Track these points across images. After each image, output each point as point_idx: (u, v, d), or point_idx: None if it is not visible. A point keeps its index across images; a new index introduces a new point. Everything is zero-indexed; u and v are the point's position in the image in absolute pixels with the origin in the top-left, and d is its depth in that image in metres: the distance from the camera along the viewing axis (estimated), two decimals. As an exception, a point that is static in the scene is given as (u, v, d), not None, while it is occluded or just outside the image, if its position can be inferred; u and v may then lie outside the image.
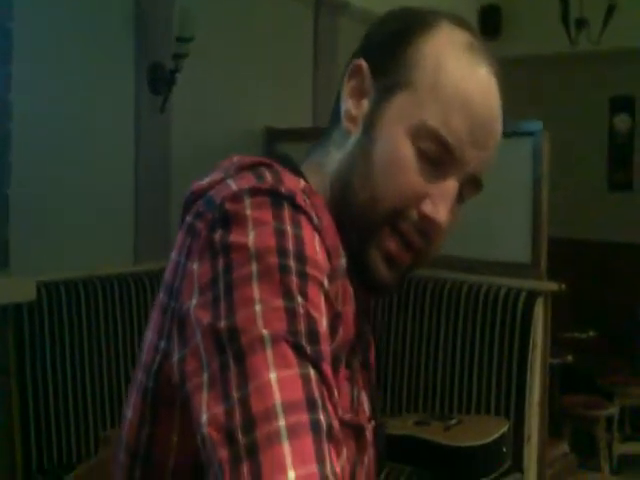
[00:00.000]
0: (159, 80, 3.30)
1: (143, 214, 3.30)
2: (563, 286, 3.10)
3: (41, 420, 2.69)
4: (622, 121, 5.68)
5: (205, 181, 0.82)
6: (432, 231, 0.85)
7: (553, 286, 3.12)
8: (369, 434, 0.89)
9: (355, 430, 0.85)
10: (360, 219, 0.85)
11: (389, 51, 0.88)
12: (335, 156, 0.90)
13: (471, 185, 0.88)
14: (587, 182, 5.67)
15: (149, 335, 0.82)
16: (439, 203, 0.85)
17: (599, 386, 4.51)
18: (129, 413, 0.83)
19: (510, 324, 3.09)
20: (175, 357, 0.74)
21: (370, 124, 0.87)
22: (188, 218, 0.78)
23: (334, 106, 0.93)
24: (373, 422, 0.91)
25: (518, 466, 2.99)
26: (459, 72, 0.85)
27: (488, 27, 5.92)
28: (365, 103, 0.88)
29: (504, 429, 2.87)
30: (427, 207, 0.84)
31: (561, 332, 4.11)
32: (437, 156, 0.84)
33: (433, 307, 3.26)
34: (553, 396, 3.42)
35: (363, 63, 0.88)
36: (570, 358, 4.20)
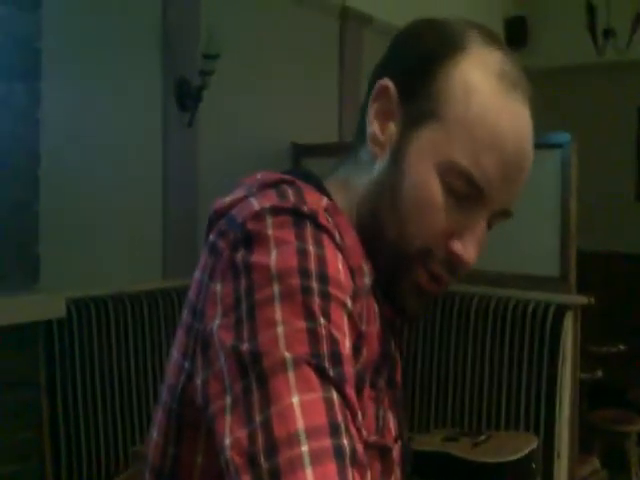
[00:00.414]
0: (186, 96, 3.33)
1: (171, 230, 3.32)
2: (592, 299, 3.06)
3: (71, 436, 2.71)
4: (650, 131, 5.64)
5: (227, 199, 0.82)
6: (460, 268, 0.85)
7: (582, 300, 3.09)
8: (395, 454, 0.89)
9: (381, 451, 0.85)
10: (389, 252, 0.84)
11: (417, 76, 0.85)
12: (362, 177, 0.88)
13: (500, 215, 0.87)
14: (615, 194, 5.61)
15: (174, 354, 0.82)
16: (468, 242, 0.84)
17: (629, 401, 4.45)
18: (154, 433, 0.83)
19: (539, 338, 3.06)
20: (199, 379, 0.73)
21: (398, 154, 0.85)
22: (211, 237, 0.78)
23: (359, 121, 0.91)
24: (399, 442, 0.90)
25: (548, 483, 2.96)
26: (491, 108, 0.81)
27: (514, 38, 5.91)
28: (392, 127, 0.86)
29: (533, 445, 2.84)
30: (457, 246, 0.83)
31: (591, 346, 4.06)
32: (466, 194, 0.82)
33: (461, 322, 3.25)
34: (583, 411, 3.38)
35: (390, 85, 0.85)
36: (600, 373, 4.15)
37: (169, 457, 0.80)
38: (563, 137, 3.06)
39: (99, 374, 2.80)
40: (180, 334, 0.81)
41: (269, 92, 3.86)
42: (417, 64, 0.85)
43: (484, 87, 0.82)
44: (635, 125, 5.68)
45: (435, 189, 0.82)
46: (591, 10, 4.99)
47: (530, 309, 3.10)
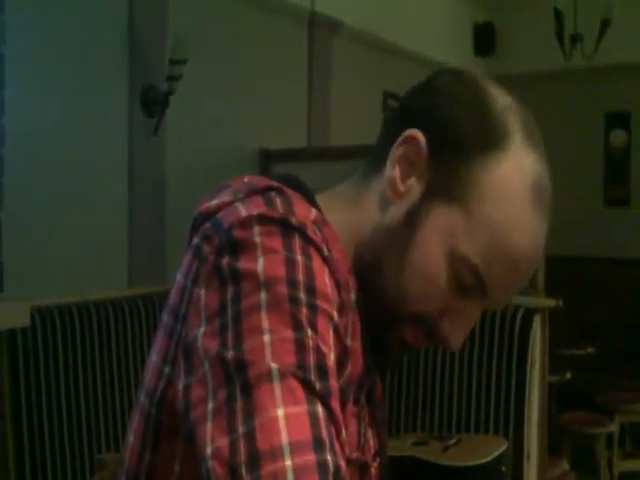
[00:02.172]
0: (152, 102, 3.31)
1: (137, 237, 3.29)
2: (561, 302, 3.08)
3: (36, 444, 2.67)
4: (618, 137, 5.70)
5: (213, 202, 0.80)
6: (444, 346, 0.87)
7: (551, 302, 3.10)
8: (374, 471, 0.88)
9: (360, 468, 0.84)
10: (384, 304, 0.84)
11: (453, 152, 0.82)
12: (370, 213, 0.86)
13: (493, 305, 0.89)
14: (584, 198, 5.67)
15: (153, 357, 0.80)
16: (458, 327, 0.85)
17: (598, 403, 4.49)
18: (131, 437, 0.82)
19: (508, 341, 3.07)
20: (180, 385, 0.72)
21: (414, 217, 0.83)
22: (195, 240, 0.77)
23: (378, 145, 0.89)
24: (378, 459, 0.90)
25: (518, 485, 2.97)
26: (518, 223, 0.81)
27: (482, 45, 5.96)
28: (413, 182, 0.84)
29: (503, 448, 2.84)
30: (446, 328, 0.84)
31: (559, 349, 4.09)
32: (469, 286, 0.82)
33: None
34: (552, 414, 3.40)
35: (422, 141, 0.83)
36: (568, 375, 4.18)
37: (145, 463, 0.79)
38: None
39: (64, 383, 2.76)
40: (160, 337, 0.79)
41: (237, 97, 3.85)
42: (456, 140, 0.82)
43: (517, 200, 0.81)
44: (603, 131, 5.74)
45: (442, 272, 0.82)
46: (558, 16, 5.04)
47: (499, 312, 3.11)
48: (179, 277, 0.78)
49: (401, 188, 0.84)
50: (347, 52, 4.70)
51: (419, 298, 0.83)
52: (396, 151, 0.84)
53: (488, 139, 0.81)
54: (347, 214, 0.87)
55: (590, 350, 4.60)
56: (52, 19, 3.00)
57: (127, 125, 3.29)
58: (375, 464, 0.88)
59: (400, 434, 3.09)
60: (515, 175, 0.81)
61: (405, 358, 3.28)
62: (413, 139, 0.83)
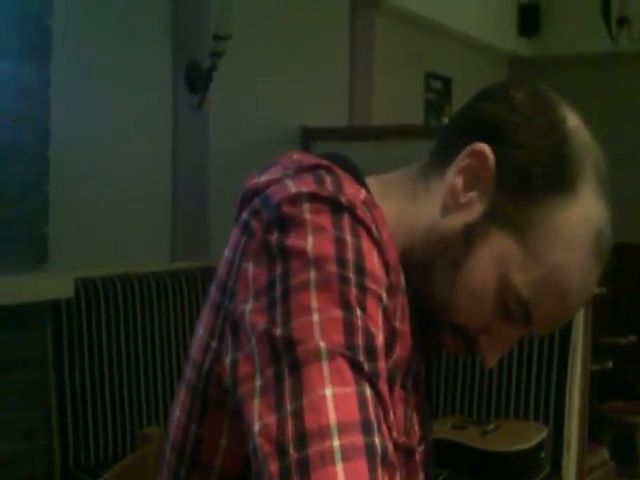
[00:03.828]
0: (196, 78, 3.30)
1: (180, 212, 3.31)
2: (604, 290, 3.04)
3: (79, 417, 2.71)
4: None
5: (263, 178, 0.80)
6: (480, 361, 0.87)
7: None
8: (419, 457, 0.87)
9: (406, 453, 0.83)
10: (428, 304, 0.84)
11: (522, 183, 0.80)
12: (427, 214, 0.85)
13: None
14: (631, 182, 5.56)
15: (200, 331, 0.80)
16: (495, 348, 0.85)
17: (639, 392, 4.44)
18: (177, 411, 0.82)
19: (550, 328, 3.04)
20: (228, 359, 0.72)
21: (471, 235, 0.82)
22: (244, 216, 0.76)
23: (443, 144, 0.87)
24: (423, 445, 0.89)
25: (557, 473, 2.95)
26: (575, 269, 0.80)
27: (527, 25, 5.86)
28: (475, 197, 0.82)
29: (543, 435, 2.84)
30: (485, 346, 0.84)
31: (601, 337, 4.04)
32: (515, 314, 0.82)
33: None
34: (592, 402, 3.36)
35: (490, 158, 0.81)
36: (610, 364, 4.13)
37: (191, 436, 0.80)
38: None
39: (107, 354, 2.80)
40: (207, 311, 0.80)
41: (279, 75, 3.83)
42: (526, 171, 0.80)
43: (579, 248, 0.80)
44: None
45: (490, 295, 0.81)
46: (605, -3, 4.95)
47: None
48: (227, 252, 0.78)
49: (462, 199, 0.83)
50: (389, 30, 4.65)
51: (463, 311, 0.82)
52: (462, 161, 0.83)
53: (560, 180, 0.80)
54: (401, 206, 0.86)
55: (632, 338, 4.55)
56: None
57: (171, 101, 3.30)
58: (420, 449, 0.88)
59: (439, 417, 3.08)
60: (581, 223, 0.80)
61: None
62: (482, 154, 0.81)
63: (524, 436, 2.83)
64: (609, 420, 4.15)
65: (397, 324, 0.78)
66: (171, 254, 3.29)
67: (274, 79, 3.80)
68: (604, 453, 3.54)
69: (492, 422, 2.94)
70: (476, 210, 0.82)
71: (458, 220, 0.82)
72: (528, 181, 0.80)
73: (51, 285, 2.51)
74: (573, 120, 0.82)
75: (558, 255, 0.80)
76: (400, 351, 0.78)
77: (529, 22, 5.85)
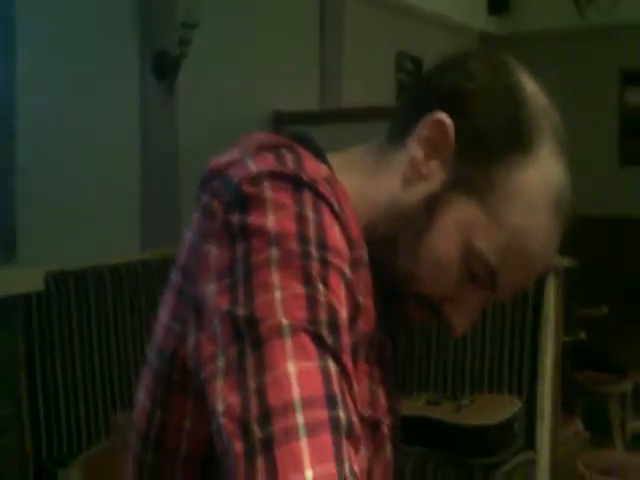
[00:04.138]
0: (165, 66, 3.30)
1: (150, 201, 3.30)
2: (575, 263, 3.07)
3: (51, 409, 2.70)
4: (633, 94, 5.62)
5: (223, 159, 0.79)
6: (447, 329, 0.88)
7: (565, 262, 3.09)
8: (385, 429, 0.88)
9: (372, 426, 0.84)
10: (392, 277, 0.85)
11: (483, 146, 0.81)
12: (387, 186, 0.85)
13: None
14: (599, 157, 5.61)
15: (162, 317, 0.80)
16: (463, 314, 0.86)
17: (612, 363, 4.49)
18: (141, 396, 0.82)
19: (522, 300, 3.08)
20: (191, 341, 0.72)
21: (434, 205, 0.82)
22: (204, 197, 0.76)
23: (400, 120, 0.88)
24: (390, 418, 0.89)
25: (531, 444, 2.99)
26: (536, 232, 0.82)
27: (496, 3, 5.86)
28: (436, 166, 0.83)
29: (516, 408, 2.86)
30: (452, 314, 0.86)
31: (573, 308, 4.08)
32: (480, 278, 0.83)
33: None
34: (565, 373, 3.40)
35: (450, 126, 0.82)
36: (582, 334, 4.17)
37: (156, 421, 0.79)
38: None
39: (78, 347, 2.79)
40: (169, 296, 0.79)
41: (249, 60, 3.82)
42: (485, 135, 0.81)
43: (540, 209, 0.82)
44: (618, 89, 5.67)
45: (455, 262, 0.82)
46: (574, -28, 4.96)
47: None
48: (188, 235, 0.77)
49: (423, 170, 0.83)
50: (360, 12, 4.65)
51: (428, 281, 0.83)
52: (422, 131, 0.83)
53: (519, 141, 0.81)
54: (362, 180, 0.87)
55: (604, 310, 4.59)
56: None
57: (139, 90, 3.28)
58: (387, 422, 0.88)
59: (413, 393, 3.11)
60: (541, 184, 0.81)
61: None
62: (441, 123, 0.82)
63: (498, 409, 2.85)
64: (582, 390, 4.19)
65: (360, 298, 0.78)
66: (141, 243, 3.29)
67: (244, 65, 3.79)
68: (578, 423, 3.58)
69: (466, 397, 2.97)
70: (437, 179, 0.82)
71: (420, 191, 0.83)
72: (487, 146, 0.81)
73: (21, 279, 2.50)
74: (530, 85, 0.83)
75: (520, 218, 0.81)
76: (363, 325, 0.79)
77: (498, 0, 5.86)
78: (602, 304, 4.62)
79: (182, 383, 0.76)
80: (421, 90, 0.88)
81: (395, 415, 0.92)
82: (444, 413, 2.84)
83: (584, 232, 5.07)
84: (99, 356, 2.86)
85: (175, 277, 0.79)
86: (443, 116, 0.81)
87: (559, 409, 3.14)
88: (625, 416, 4.36)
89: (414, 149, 0.83)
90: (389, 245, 0.84)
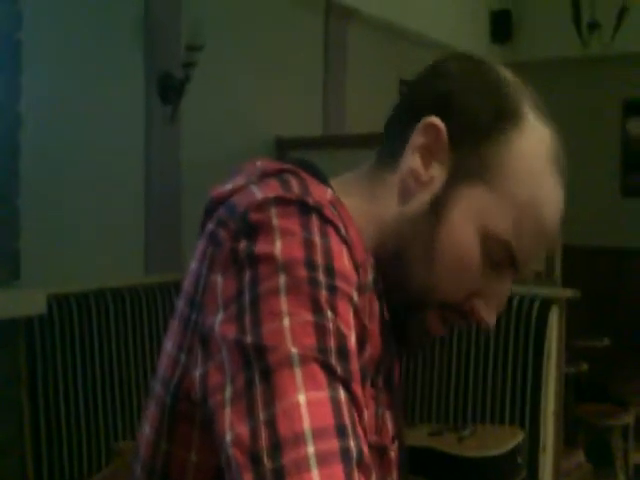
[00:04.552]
0: (169, 90, 3.30)
1: (153, 225, 3.29)
2: (578, 293, 3.07)
3: (52, 432, 2.69)
4: (635, 125, 5.64)
5: (227, 187, 0.79)
6: (478, 326, 0.87)
7: (568, 293, 3.09)
8: (393, 455, 0.87)
9: (379, 451, 0.83)
10: (410, 294, 0.84)
11: (473, 134, 0.83)
12: (389, 205, 0.85)
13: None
14: (601, 187, 5.62)
15: (168, 347, 0.79)
16: (492, 304, 0.85)
17: (614, 395, 4.47)
18: (146, 428, 0.80)
19: (524, 331, 3.07)
20: (198, 372, 0.71)
21: (440, 204, 0.83)
22: (210, 226, 0.75)
23: (389, 139, 0.88)
24: (397, 442, 0.89)
25: (533, 476, 2.97)
26: (540, 193, 0.82)
27: (499, 32, 5.90)
28: (436, 169, 0.83)
29: (519, 439, 2.85)
30: (480, 307, 0.84)
31: (575, 340, 4.07)
32: (500, 261, 0.83)
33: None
34: (568, 405, 3.38)
35: (441, 126, 0.83)
36: (585, 366, 4.16)
37: (161, 453, 0.78)
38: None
39: (81, 370, 2.78)
40: (175, 326, 0.78)
41: (253, 85, 3.83)
42: (474, 123, 0.83)
43: (540, 172, 0.83)
44: (620, 119, 5.68)
45: (475, 251, 0.82)
46: (576, 3, 4.99)
47: (515, 302, 3.10)
48: (194, 264, 0.76)
49: (424, 177, 0.83)
50: (363, 39, 4.67)
51: (454, 285, 0.82)
52: (416, 140, 0.84)
53: (505, 117, 0.83)
54: (363, 202, 0.86)
55: (606, 341, 4.57)
56: (68, 7, 2.98)
57: (144, 113, 3.29)
58: (394, 447, 0.88)
59: (415, 424, 3.08)
60: (535, 149, 0.83)
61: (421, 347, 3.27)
62: (432, 126, 0.83)
63: (500, 441, 2.83)
64: (585, 423, 4.17)
65: (367, 323, 0.77)
66: (145, 268, 3.27)
67: (247, 90, 3.80)
68: (580, 455, 3.56)
69: (468, 428, 2.95)
70: (439, 180, 0.83)
71: (423, 199, 0.83)
72: (477, 131, 0.82)
73: (24, 301, 2.49)
74: (505, 72, 0.86)
75: (525, 186, 0.82)
76: (370, 350, 0.78)
77: (501, 29, 5.89)
78: (604, 336, 4.61)
79: (188, 414, 0.75)
80: (405, 104, 0.89)
81: (402, 441, 0.91)
82: (446, 444, 2.81)
83: (586, 263, 5.09)
84: (101, 379, 2.85)
85: (181, 307, 0.78)
86: (432, 119, 0.83)
87: (561, 441, 3.12)
88: (628, 448, 4.33)
89: (411, 160, 0.84)
90: (401, 260, 0.84)
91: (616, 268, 5.38)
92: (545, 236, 0.84)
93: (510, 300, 3.10)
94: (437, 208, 0.82)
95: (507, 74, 0.86)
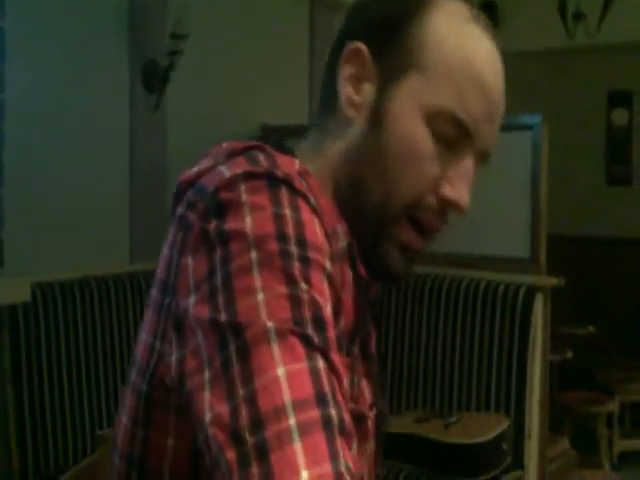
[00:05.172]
0: (153, 78, 3.28)
1: (138, 213, 3.28)
2: (562, 281, 3.07)
3: (37, 422, 2.67)
4: (620, 115, 5.66)
5: (194, 169, 0.79)
6: (455, 212, 0.84)
7: (552, 281, 3.09)
8: (371, 423, 0.88)
9: (357, 419, 0.83)
10: (375, 215, 0.83)
11: (390, 33, 0.84)
12: (334, 145, 0.86)
13: (480, 159, 0.87)
14: (586, 177, 5.64)
15: (143, 335, 0.79)
16: (459, 184, 0.83)
17: (599, 382, 4.49)
18: (123, 416, 0.80)
19: (509, 319, 3.07)
20: (174, 357, 0.71)
21: (378, 112, 0.83)
22: (179, 210, 0.75)
23: (323, 92, 0.90)
24: (374, 410, 0.90)
25: (519, 463, 2.97)
26: (468, 48, 0.82)
27: (485, 22, 5.89)
28: (368, 88, 0.85)
29: (504, 426, 2.85)
30: (448, 191, 0.83)
31: (560, 328, 4.08)
32: (454, 137, 0.82)
33: (432, 303, 3.24)
34: (553, 392, 3.40)
35: (363, 47, 0.84)
36: (570, 354, 4.18)
37: (138, 440, 0.78)
38: (534, 119, 3.04)
39: (65, 359, 2.76)
40: (149, 314, 0.78)
41: (238, 74, 3.82)
42: (388, 22, 0.84)
43: (458, 31, 0.83)
44: (605, 109, 5.70)
45: (424, 137, 0.81)
46: (561, -7, 4.99)
47: (500, 290, 3.10)
48: (165, 250, 0.76)
49: (358, 100, 0.85)
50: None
51: (412, 180, 0.82)
52: (342, 73, 0.85)
53: (415, 3, 0.84)
54: (319, 158, 0.87)
55: (591, 329, 4.59)
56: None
57: (128, 101, 3.27)
58: (371, 414, 0.88)
59: (401, 411, 3.09)
60: (448, 17, 0.83)
61: (406, 333, 3.27)
62: (353, 51, 0.85)
63: (485, 428, 2.84)
64: (570, 410, 4.19)
65: (340, 291, 0.77)
66: (130, 256, 3.26)
67: (233, 78, 3.79)
68: (565, 443, 3.57)
69: (454, 415, 2.96)
70: (371, 94, 0.84)
71: (362, 117, 0.84)
72: (394, 28, 0.84)
73: (7, 290, 2.48)
74: None
75: (447, 47, 0.82)
76: (344, 318, 0.78)
77: (487, 18, 5.89)
78: (589, 323, 4.63)
79: (164, 401, 0.75)
80: (330, 51, 0.91)
81: (379, 409, 0.92)
82: (432, 431, 2.82)
83: (571, 251, 5.11)
84: (86, 368, 2.83)
85: (154, 294, 0.78)
86: (350, 45, 0.85)
87: (547, 428, 3.13)
88: (612, 435, 4.36)
89: (343, 93, 0.86)
90: (357, 185, 0.84)
91: (602, 256, 5.40)
92: (486, 91, 0.83)
93: (495, 288, 3.11)
94: (377, 117, 0.83)
95: None
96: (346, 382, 0.79)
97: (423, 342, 3.26)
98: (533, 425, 3.05)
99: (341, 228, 0.81)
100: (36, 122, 2.88)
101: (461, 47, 0.82)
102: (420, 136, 0.81)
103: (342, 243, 0.80)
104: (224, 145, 0.82)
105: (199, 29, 3.36)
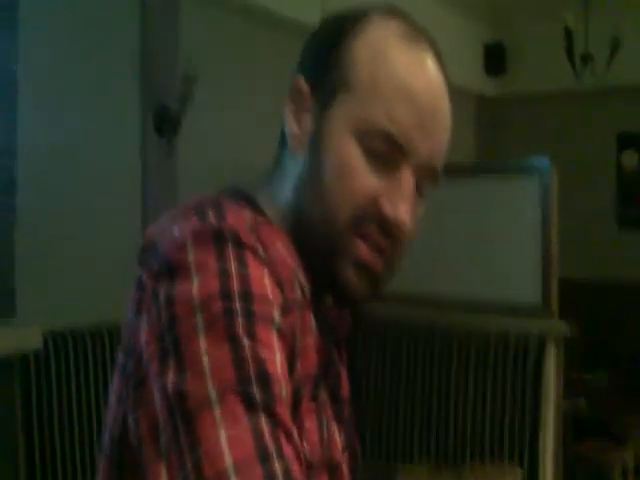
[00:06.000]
0: (165, 122, 3.29)
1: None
2: (574, 330, 3.05)
3: (48, 469, 2.64)
4: (630, 157, 5.66)
5: (154, 228, 0.80)
6: (396, 230, 0.82)
7: (564, 329, 3.07)
8: (345, 467, 0.87)
9: (329, 467, 0.83)
10: (320, 233, 0.82)
11: (322, 60, 0.85)
12: (287, 183, 0.87)
13: (428, 177, 0.85)
14: (597, 220, 5.62)
15: (112, 399, 0.80)
16: (397, 199, 0.82)
17: (612, 431, 4.42)
18: None
19: (522, 368, 3.04)
20: (131, 417, 0.73)
21: (315, 139, 0.84)
22: (139, 272, 0.77)
23: (280, 136, 0.91)
24: (347, 453, 0.89)
25: (533, 515, 2.93)
26: (395, 62, 0.82)
27: (493, 65, 5.93)
28: (307, 119, 0.86)
29: (518, 477, 2.82)
30: (385, 207, 0.82)
31: (574, 375, 4.04)
32: (386, 152, 0.81)
33: (443, 353, 3.22)
34: (566, 441, 3.35)
35: (300, 80, 0.86)
36: (583, 402, 4.13)
37: None
38: (542, 162, 3.03)
39: (76, 407, 2.74)
40: (116, 377, 0.79)
41: (251, 117, 3.83)
42: (321, 50, 0.86)
43: (388, 46, 0.83)
44: (615, 151, 5.70)
45: (354, 153, 0.81)
46: (569, 36, 5.00)
47: (512, 338, 3.08)
48: (128, 314, 0.78)
49: (298, 133, 0.86)
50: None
51: (346, 195, 0.81)
52: (286, 109, 0.88)
53: (346, 25, 0.85)
54: (275, 201, 0.87)
55: (603, 376, 4.55)
56: (64, 39, 2.97)
57: (140, 147, 3.27)
58: (344, 458, 0.88)
59: (414, 460, 3.05)
60: (378, 33, 0.83)
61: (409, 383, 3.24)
62: (294, 87, 0.87)
63: (499, 479, 2.81)
64: (584, 460, 4.13)
65: (298, 339, 0.76)
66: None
67: (244, 121, 3.80)
68: (579, 493, 3.52)
69: (466, 466, 2.92)
70: (310, 122, 0.85)
71: (305, 148, 0.85)
72: (325, 56, 0.85)
73: (19, 338, 2.47)
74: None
75: (377, 66, 0.81)
76: (304, 366, 0.77)
77: (495, 62, 5.92)
78: (602, 370, 4.58)
79: (132, 462, 0.76)
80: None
81: (353, 452, 0.91)
82: (445, 483, 2.79)
83: (583, 296, 5.07)
84: (97, 418, 2.80)
85: (120, 358, 0.79)
86: (292, 81, 0.87)
87: (561, 479, 3.09)
88: (628, 484, 4.29)
89: (287, 128, 0.87)
90: (301, 212, 0.84)
91: (614, 300, 5.36)
92: (418, 101, 0.81)
93: (507, 336, 3.08)
94: (315, 144, 0.84)
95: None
96: (314, 427, 0.81)
97: (435, 392, 3.23)
98: (547, 476, 3.01)
99: (302, 276, 0.81)
100: (48, 168, 2.88)
101: (389, 60, 0.82)
102: (350, 153, 0.81)
103: (299, 292, 0.79)
104: (191, 199, 0.83)
105: (210, 73, 3.38)
